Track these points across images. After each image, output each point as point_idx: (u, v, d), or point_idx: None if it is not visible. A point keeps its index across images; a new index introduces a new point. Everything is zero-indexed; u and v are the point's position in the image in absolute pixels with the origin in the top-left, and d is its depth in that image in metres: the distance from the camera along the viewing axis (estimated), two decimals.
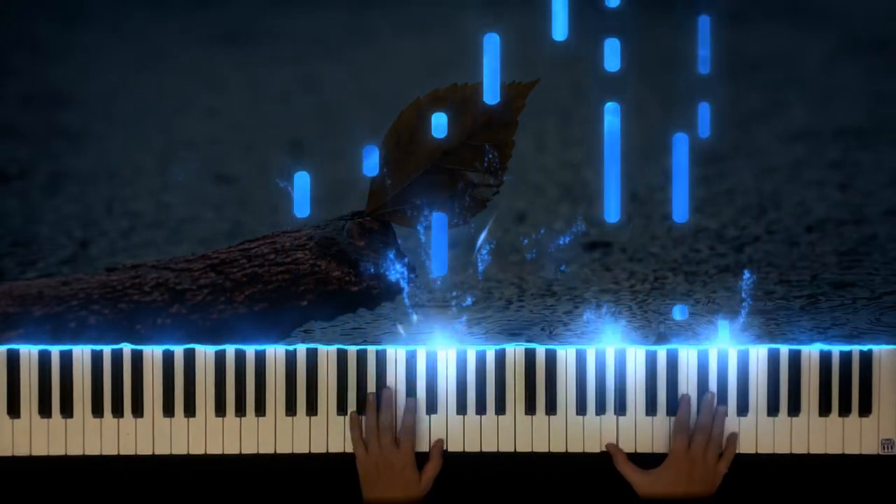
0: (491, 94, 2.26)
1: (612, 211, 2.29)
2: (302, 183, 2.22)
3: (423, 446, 2.26)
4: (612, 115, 2.28)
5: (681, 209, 2.29)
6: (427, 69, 2.45)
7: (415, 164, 2.25)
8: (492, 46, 2.27)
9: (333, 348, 2.27)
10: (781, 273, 2.38)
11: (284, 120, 2.50)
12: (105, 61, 2.47)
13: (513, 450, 2.27)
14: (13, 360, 2.25)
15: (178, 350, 2.25)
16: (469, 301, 2.34)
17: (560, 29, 2.30)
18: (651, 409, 2.27)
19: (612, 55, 2.28)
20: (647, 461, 2.25)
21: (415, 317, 2.33)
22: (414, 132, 2.25)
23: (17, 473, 2.26)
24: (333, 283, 2.23)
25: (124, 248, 2.41)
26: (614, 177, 2.28)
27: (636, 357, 2.28)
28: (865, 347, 2.27)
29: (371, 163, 2.26)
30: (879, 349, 2.27)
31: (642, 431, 2.27)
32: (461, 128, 2.25)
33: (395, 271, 2.26)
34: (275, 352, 2.26)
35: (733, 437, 2.25)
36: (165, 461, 2.26)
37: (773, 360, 2.27)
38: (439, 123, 2.25)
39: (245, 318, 2.22)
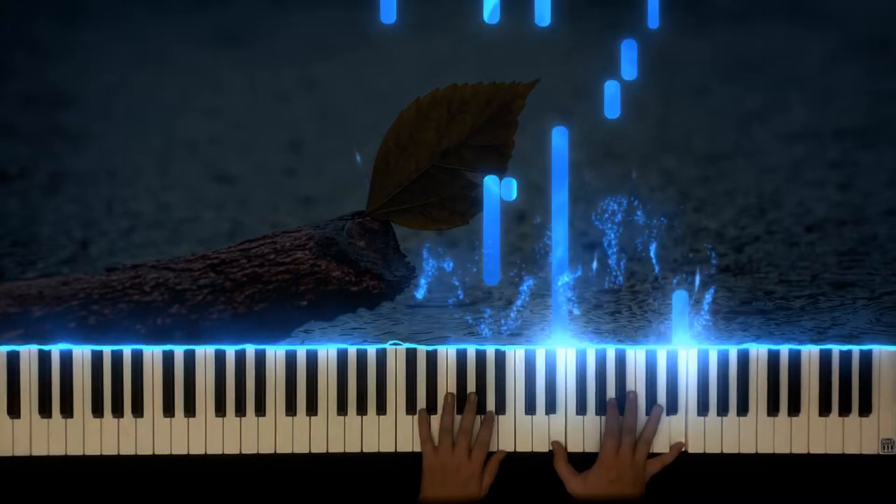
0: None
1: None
2: None
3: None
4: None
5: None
6: (427, 69, 2.45)
7: (415, 164, 2.25)
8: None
9: (333, 348, 2.27)
10: (781, 273, 2.38)
11: (284, 120, 2.50)
12: (105, 61, 2.47)
13: (513, 449, 2.27)
14: (13, 360, 2.25)
15: (178, 350, 2.25)
16: (469, 301, 2.33)
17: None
18: (651, 409, 2.27)
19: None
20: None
21: (415, 317, 2.33)
22: (414, 132, 2.25)
23: (17, 473, 2.26)
24: (333, 283, 2.23)
25: (124, 248, 2.41)
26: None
27: (636, 357, 2.28)
28: (865, 347, 2.27)
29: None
30: (879, 349, 2.27)
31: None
32: (461, 128, 2.25)
33: (395, 271, 2.26)
34: (275, 352, 2.26)
35: (677, 447, 2.25)
36: (165, 461, 2.26)
37: (773, 360, 2.27)
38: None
39: (245, 318, 2.22)
